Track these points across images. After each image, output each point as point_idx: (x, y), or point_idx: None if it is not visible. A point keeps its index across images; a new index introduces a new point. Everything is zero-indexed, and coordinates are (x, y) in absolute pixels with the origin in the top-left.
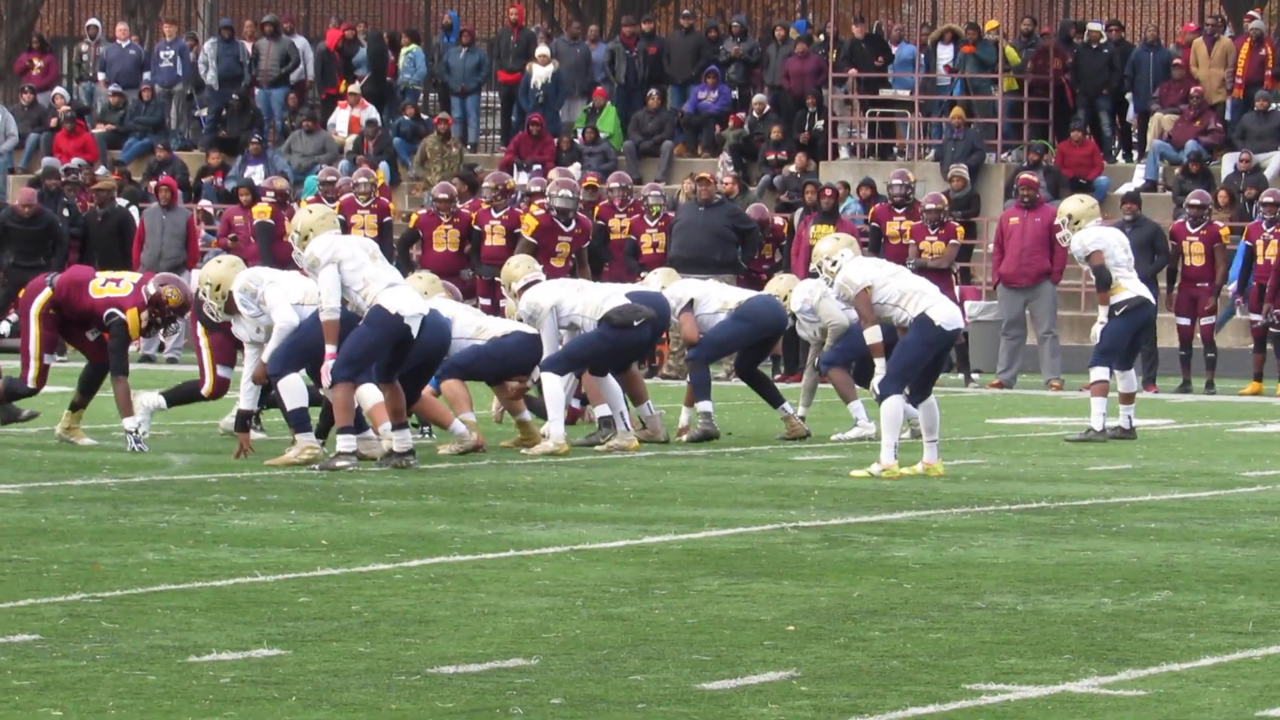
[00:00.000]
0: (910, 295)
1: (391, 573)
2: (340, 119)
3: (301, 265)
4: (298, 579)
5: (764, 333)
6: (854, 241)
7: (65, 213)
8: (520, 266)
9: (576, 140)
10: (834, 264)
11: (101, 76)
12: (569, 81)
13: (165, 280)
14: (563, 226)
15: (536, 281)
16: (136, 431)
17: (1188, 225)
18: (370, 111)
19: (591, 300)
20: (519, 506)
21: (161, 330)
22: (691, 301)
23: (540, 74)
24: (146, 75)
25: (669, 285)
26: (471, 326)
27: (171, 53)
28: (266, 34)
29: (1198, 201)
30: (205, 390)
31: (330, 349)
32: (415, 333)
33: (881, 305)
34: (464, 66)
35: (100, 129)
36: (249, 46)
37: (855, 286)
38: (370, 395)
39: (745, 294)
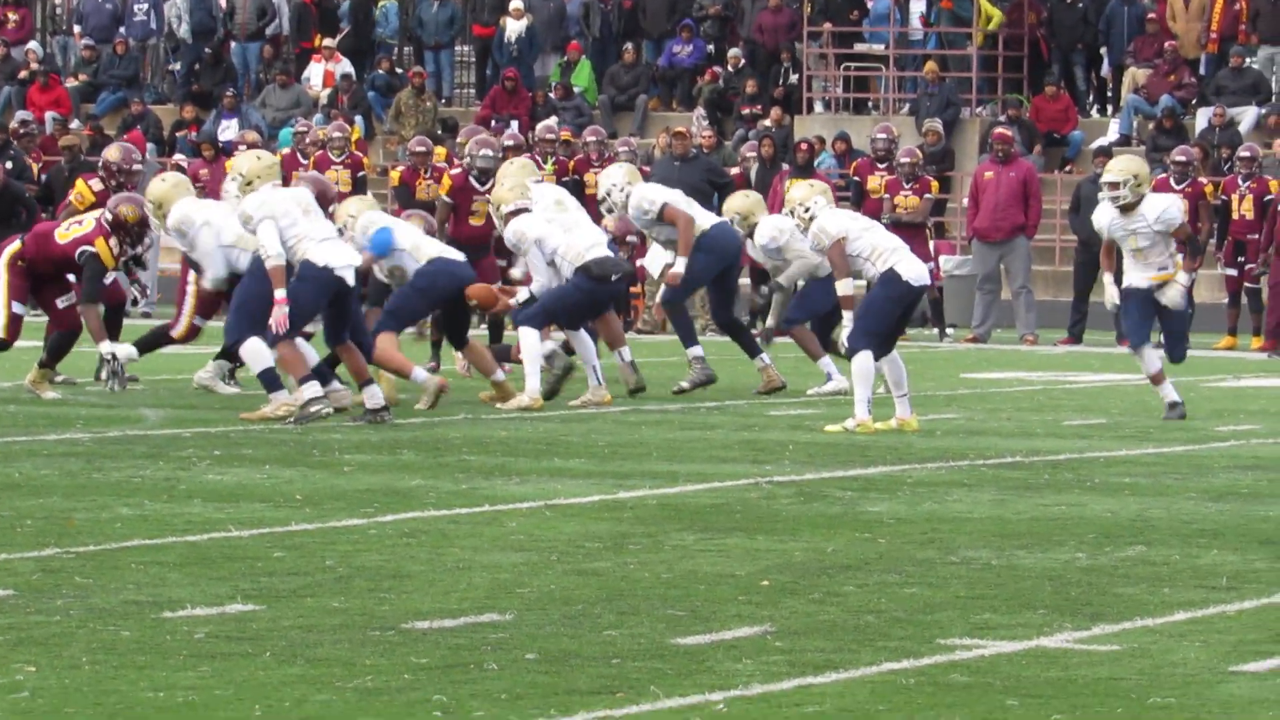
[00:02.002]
0: (881, 251)
1: (366, 528)
2: (315, 73)
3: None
4: (272, 534)
5: (724, 261)
6: (828, 190)
7: (9, 166)
8: (513, 190)
9: (551, 95)
10: (807, 211)
11: (77, 29)
12: (543, 35)
13: (119, 200)
14: (478, 186)
15: (525, 209)
16: (113, 359)
17: (1172, 182)
18: (345, 65)
19: (575, 246)
20: (493, 461)
21: (135, 248)
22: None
23: (514, 28)
24: (121, 29)
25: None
26: (409, 241)
27: (146, 6)
28: None
29: (1182, 158)
30: (176, 333)
31: (279, 294)
32: (350, 283)
33: (853, 259)
34: (437, 20)
35: (73, 82)
36: (223, 0)
37: (830, 236)
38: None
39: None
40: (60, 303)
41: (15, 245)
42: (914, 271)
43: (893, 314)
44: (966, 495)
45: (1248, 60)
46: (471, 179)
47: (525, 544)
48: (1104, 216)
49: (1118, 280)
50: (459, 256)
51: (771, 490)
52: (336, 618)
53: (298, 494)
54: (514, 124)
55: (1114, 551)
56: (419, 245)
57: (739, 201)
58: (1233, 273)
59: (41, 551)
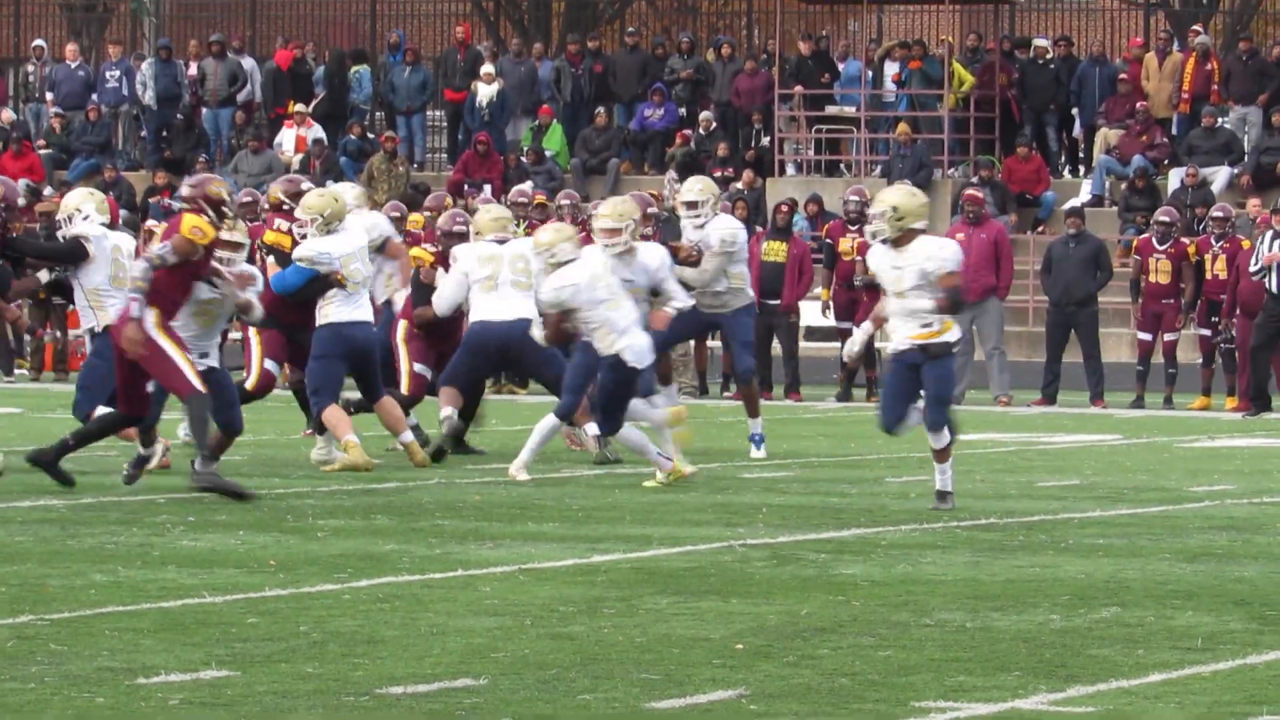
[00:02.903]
0: (603, 327)
1: (340, 593)
2: (287, 138)
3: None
4: (246, 600)
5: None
6: (575, 236)
7: None
8: (563, 236)
9: (523, 158)
10: (553, 255)
11: (50, 96)
12: (514, 99)
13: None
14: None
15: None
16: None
17: (1155, 242)
18: (317, 130)
19: (616, 324)
20: (467, 525)
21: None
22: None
23: (485, 92)
24: (93, 96)
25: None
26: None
27: (117, 73)
28: (213, 54)
29: (1165, 219)
30: (250, 384)
31: None
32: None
33: (584, 324)
34: (409, 85)
35: (44, 150)
36: (192, 66)
37: (543, 304)
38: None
39: None
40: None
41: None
42: (635, 354)
43: (618, 394)
44: (940, 557)
45: (1220, 120)
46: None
47: (499, 608)
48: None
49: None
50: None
51: (745, 553)
52: (311, 683)
53: (271, 559)
54: (487, 188)
55: (1088, 613)
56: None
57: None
58: (1206, 333)
59: (16, 618)
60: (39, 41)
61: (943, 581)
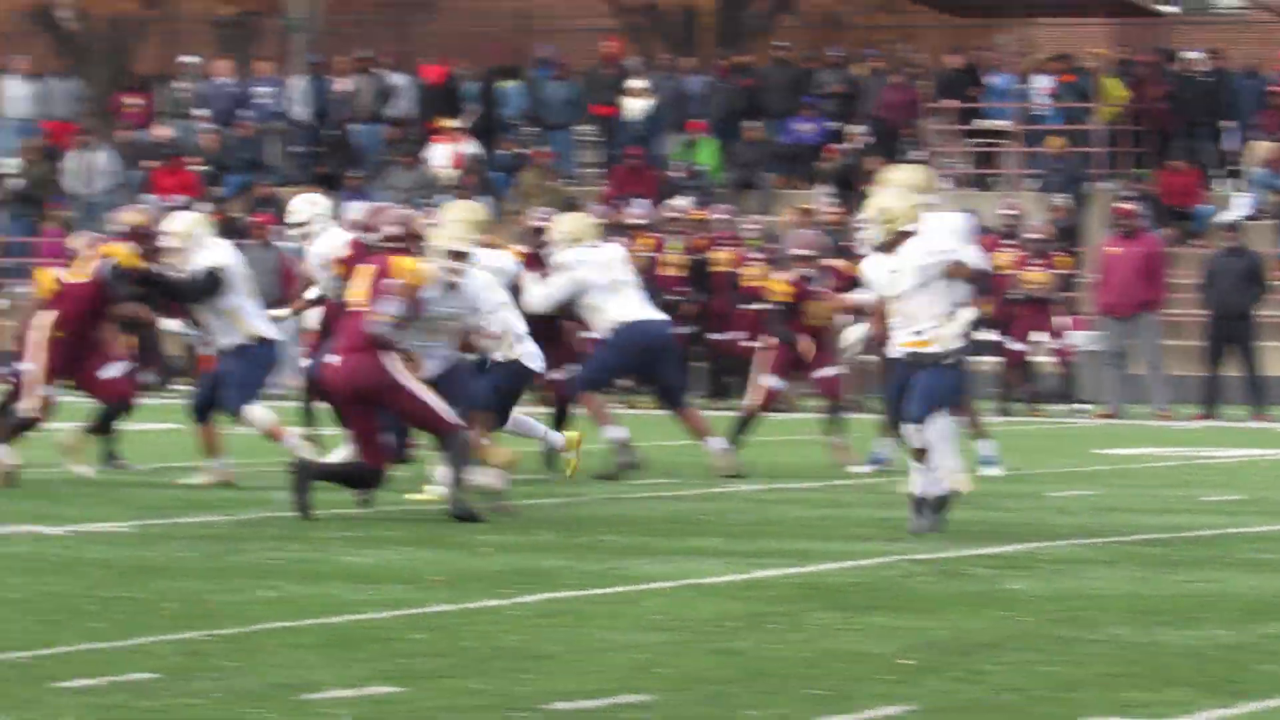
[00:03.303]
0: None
1: (504, 608)
2: (439, 153)
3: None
4: (410, 615)
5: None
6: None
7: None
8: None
9: (673, 173)
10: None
11: (199, 113)
12: (665, 114)
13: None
14: None
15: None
16: None
17: None
18: (469, 146)
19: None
20: (630, 541)
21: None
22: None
23: (635, 107)
24: (244, 112)
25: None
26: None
27: (268, 89)
28: (363, 70)
29: None
30: None
31: None
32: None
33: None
34: (560, 100)
35: (197, 166)
36: (343, 82)
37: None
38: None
39: None
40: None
41: None
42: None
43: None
44: (1105, 572)
45: None
46: None
47: (664, 624)
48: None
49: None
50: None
51: (909, 568)
52: (476, 699)
53: (436, 575)
54: (638, 202)
55: (1257, 628)
56: None
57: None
58: None
59: (181, 634)
60: (190, 58)
61: (1108, 596)
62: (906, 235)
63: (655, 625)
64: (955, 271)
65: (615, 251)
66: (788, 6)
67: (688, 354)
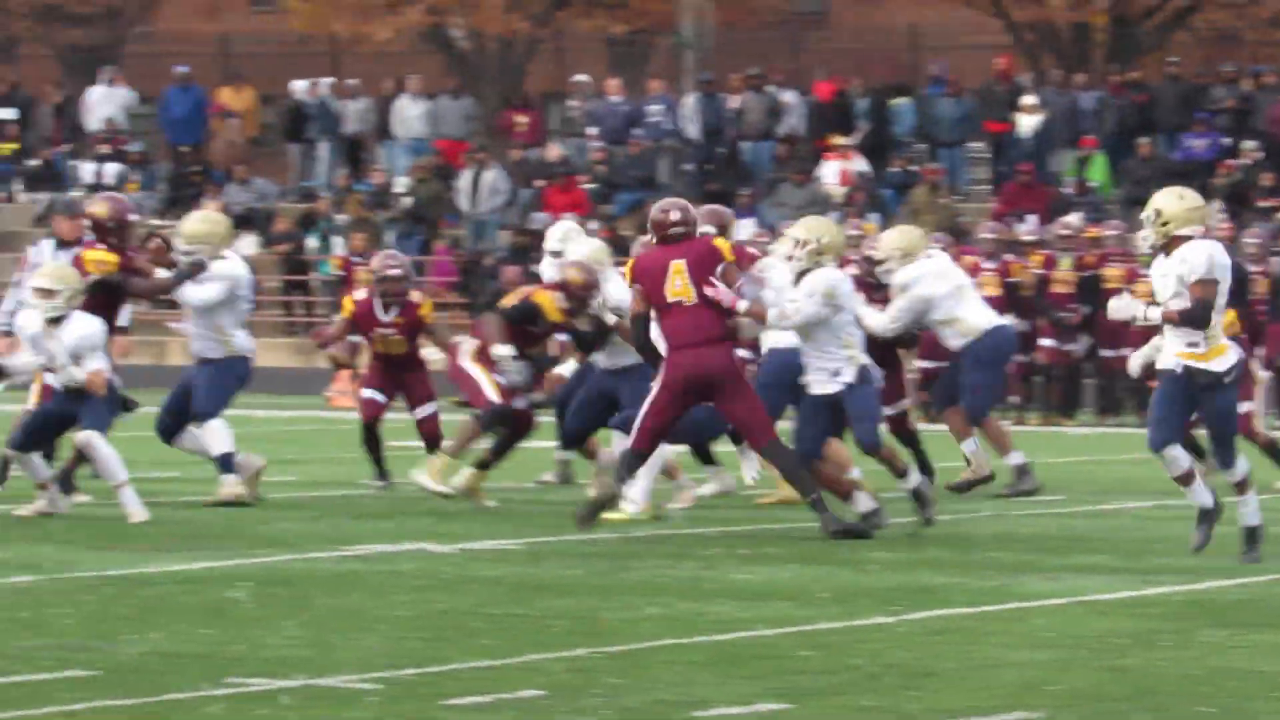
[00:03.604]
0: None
1: (893, 625)
2: (829, 171)
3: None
4: (799, 632)
5: None
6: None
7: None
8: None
9: (1065, 189)
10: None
11: (591, 131)
12: (1057, 131)
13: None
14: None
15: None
16: None
17: None
18: (860, 163)
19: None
20: (1020, 558)
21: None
22: None
23: (1028, 123)
24: (635, 130)
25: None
26: None
27: (660, 107)
28: (751, 87)
29: None
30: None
31: None
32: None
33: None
34: (951, 117)
35: (587, 184)
36: (734, 100)
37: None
38: None
39: None
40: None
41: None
42: None
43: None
44: None
45: None
46: None
47: (1053, 641)
48: None
49: None
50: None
51: None
52: (866, 715)
53: (824, 591)
54: (1030, 219)
55: None
56: None
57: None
58: None
59: (571, 651)
60: (582, 76)
61: None
62: (1182, 240)
63: (1045, 642)
64: (1193, 291)
65: (944, 259)
66: (1181, 22)
67: (1079, 370)
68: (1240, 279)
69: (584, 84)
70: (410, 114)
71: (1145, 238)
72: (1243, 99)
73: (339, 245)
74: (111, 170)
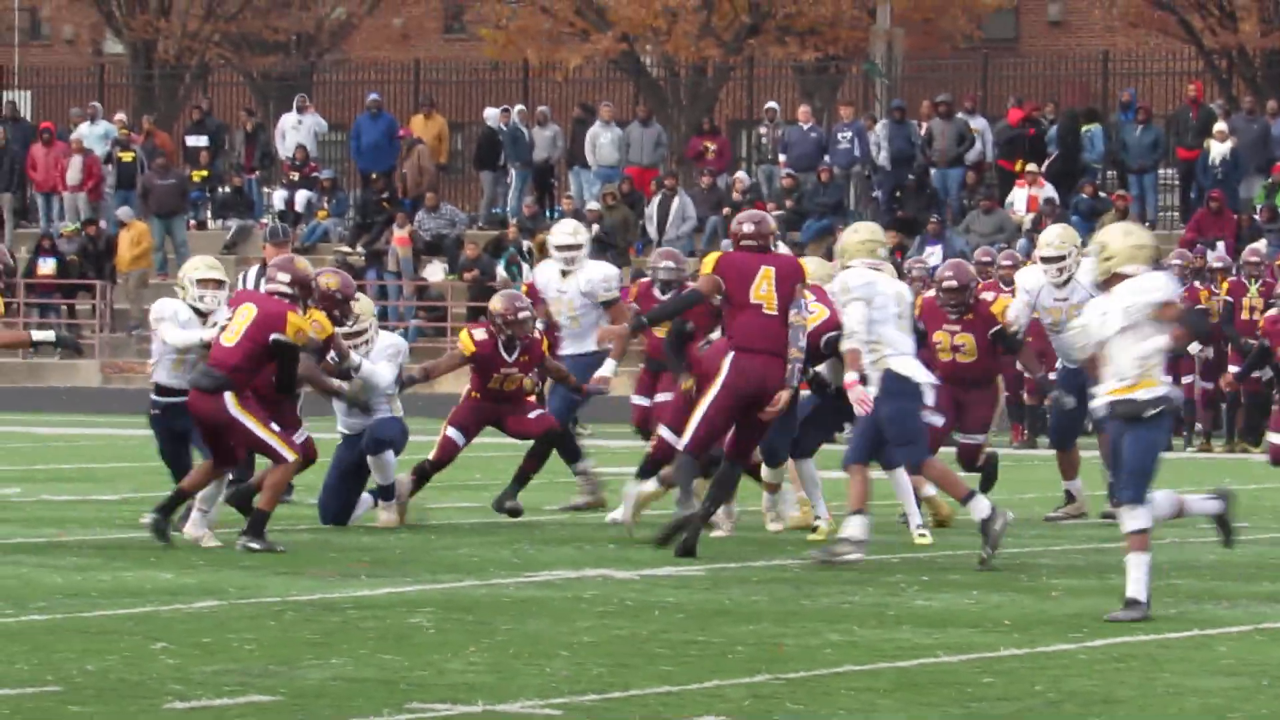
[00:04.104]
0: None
1: (1075, 652)
2: (1018, 197)
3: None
4: (981, 659)
5: None
6: None
7: None
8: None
9: (1256, 216)
10: None
11: (782, 158)
12: (1248, 157)
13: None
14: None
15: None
16: None
17: None
18: (1048, 190)
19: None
20: (1202, 585)
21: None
22: None
23: (1219, 150)
24: (825, 157)
25: None
26: None
27: (849, 134)
28: (940, 114)
29: None
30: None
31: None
32: None
33: None
34: (1141, 144)
35: (776, 212)
36: (923, 127)
37: None
38: None
39: None
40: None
41: None
42: None
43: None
44: None
45: None
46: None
47: (1235, 668)
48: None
49: None
50: None
51: None
52: None
53: (1006, 619)
54: (1219, 245)
55: None
56: None
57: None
58: None
59: (753, 678)
60: (772, 104)
61: None
62: (1121, 277)
63: (1227, 670)
64: (1167, 313)
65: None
66: None
67: (1266, 397)
68: None
69: (774, 111)
70: (601, 141)
71: (1084, 269)
72: None
73: (527, 272)
74: (302, 198)
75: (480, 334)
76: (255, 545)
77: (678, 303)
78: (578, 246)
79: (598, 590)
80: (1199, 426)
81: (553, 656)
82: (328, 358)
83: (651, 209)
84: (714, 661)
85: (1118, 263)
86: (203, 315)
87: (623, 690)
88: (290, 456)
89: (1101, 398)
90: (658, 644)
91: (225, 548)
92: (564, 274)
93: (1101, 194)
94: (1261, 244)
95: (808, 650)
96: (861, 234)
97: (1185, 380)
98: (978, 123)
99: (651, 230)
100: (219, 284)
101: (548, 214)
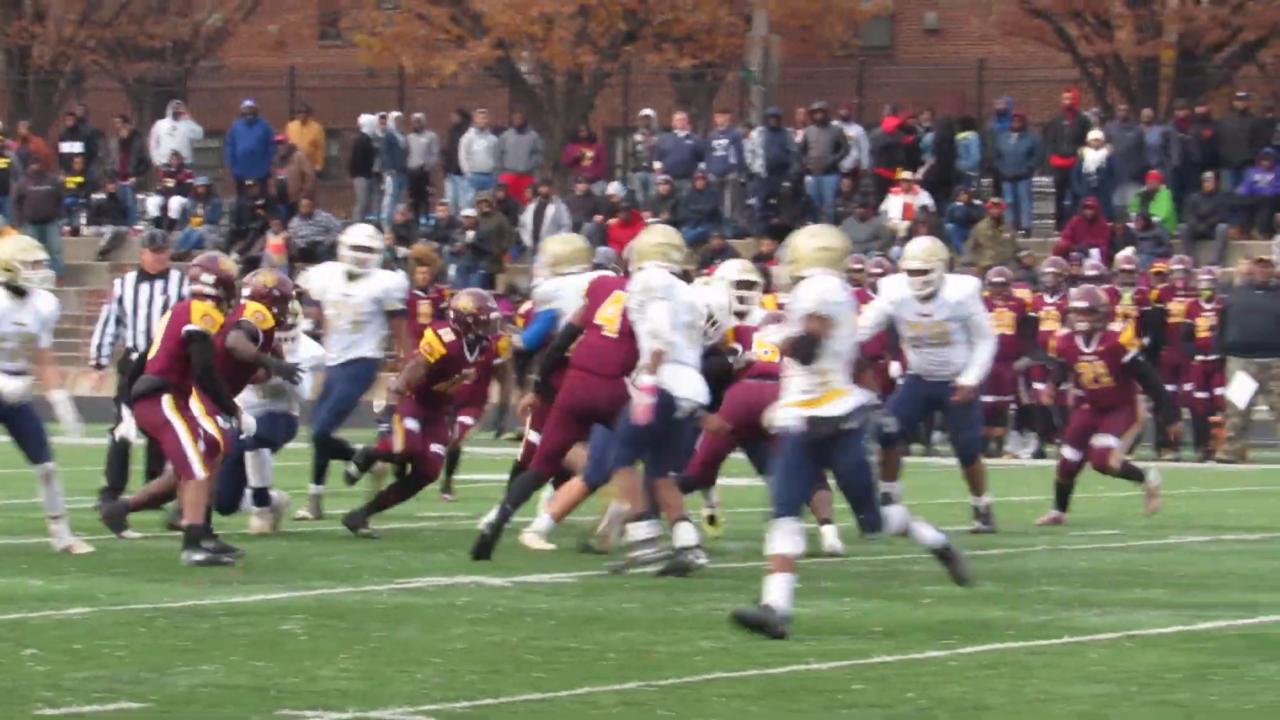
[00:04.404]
0: None
1: (946, 659)
2: (894, 205)
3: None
4: (852, 666)
5: None
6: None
7: None
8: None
9: (1130, 224)
10: None
11: (657, 165)
12: (1122, 165)
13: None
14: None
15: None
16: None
17: None
18: (923, 197)
19: None
20: (1074, 592)
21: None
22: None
23: (1093, 158)
24: (701, 164)
25: None
26: None
27: (725, 141)
28: (817, 121)
29: None
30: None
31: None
32: None
33: None
34: (1016, 151)
35: (651, 218)
36: (799, 134)
37: None
38: None
39: None
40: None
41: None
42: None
43: None
44: None
45: None
46: None
47: (1105, 675)
48: None
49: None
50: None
51: None
52: None
53: (878, 625)
54: (1094, 253)
55: None
56: None
57: None
58: None
59: (624, 684)
60: (647, 111)
61: None
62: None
63: (1097, 676)
64: (809, 325)
65: None
66: (1249, 57)
67: None
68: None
69: (650, 118)
70: (476, 147)
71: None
72: None
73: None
74: (176, 204)
75: (448, 334)
76: (198, 557)
77: (560, 340)
78: (372, 250)
79: (470, 597)
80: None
81: (424, 663)
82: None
83: (527, 216)
84: (585, 668)
85: (800, 266)
86: (21, 293)
87: (494, 697)
88: (199, 474)
89: (785, 410)
90: (529, 651)
91: (96, 553)
92: (352, 277)
93: (977, 201)
94: (1130, 250)
95: (679, 657)
96: (656, 236)
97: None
98: (854, 130)
99: (526, 237)
100: (37, 264)
101: (422, 221)
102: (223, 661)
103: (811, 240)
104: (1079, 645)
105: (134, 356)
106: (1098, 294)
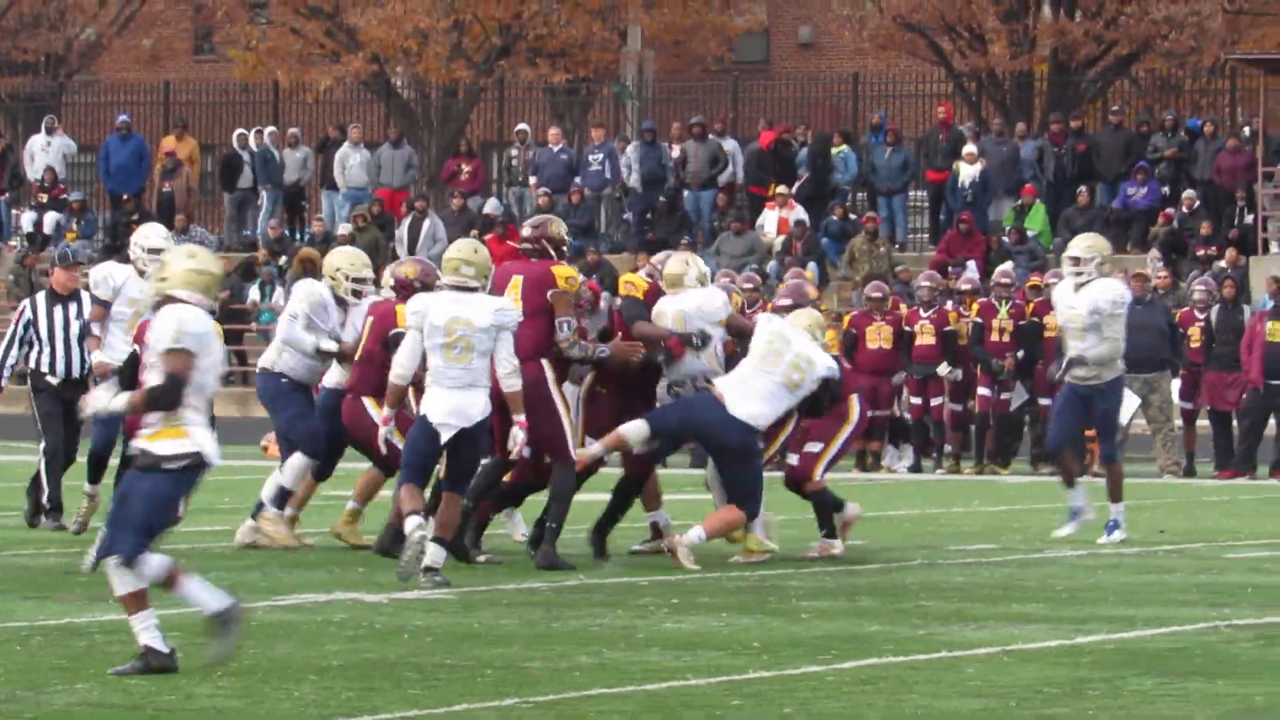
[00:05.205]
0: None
1: (824, 674)
2: (769, 220)
3: None
4: (729, 681)
5: None
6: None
7: None
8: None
9: (1005, 238)
10: None
11: (532, 180)
12: (996, 179)
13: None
14: None
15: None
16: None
17: None
18: (799, 212)
19: None
20: (951, 607)
21: None
22: None
23: (968, 172)
24: (576, 179)
25: None
26: None
27: (600, 156)
28: (694, 136)
29: None
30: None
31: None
32: None
33: None
34: (891, 165)
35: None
36: (675, 149)
37: None
38: None
39: None
40: None
41: None
42: None
43: None
44: None
45: None
46: None
47: (983, 689)
48: None
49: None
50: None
51: (1231, 634)
52: None
53: (755, 641)
54: (969, 267)
55: None
56: None
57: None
58: None
59: (502, 701)
60: (523, 125)
61: None
62: (173, 300)
63: (974, 691)
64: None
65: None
66: (1123, 71)
67: (1014, 419)
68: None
69: (525, 133)
70: (351, 162)
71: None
72: (1182, 148)
73: (280, 295)
74: (50, 219)
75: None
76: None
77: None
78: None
79: (347, 614)
80: (948, 448)
81: (301, 680)
82: None
83: (402, 231)
84: (463, 685)
85: (170, 285)
86: None
87: (370, 714)
88: None
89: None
90: (406, 667)
91: None
92: (144, 276)
93: (852, 216)
94: (1009, 265)
95: (557, 673)
96: (450, 251)
97: (935, 401)
98: (729, 145)
99: (402, 252)
100: None
101: (296, 236)
102: (98, 680)
103: (188, 260)
104: (957, 660)
105: (51, 380)
106: (804, 290)
